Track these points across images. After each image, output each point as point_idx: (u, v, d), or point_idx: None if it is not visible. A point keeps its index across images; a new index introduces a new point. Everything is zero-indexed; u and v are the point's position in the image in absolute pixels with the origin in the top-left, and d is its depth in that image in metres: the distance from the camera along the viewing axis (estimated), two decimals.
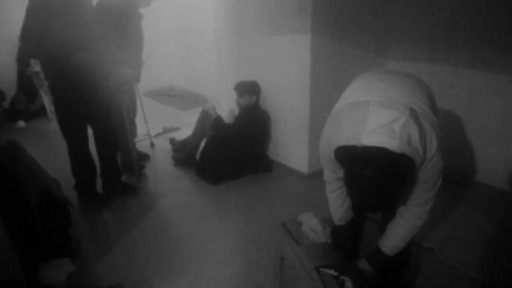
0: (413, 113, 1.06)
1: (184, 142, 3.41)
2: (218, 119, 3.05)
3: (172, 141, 3.55)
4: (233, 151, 2.92)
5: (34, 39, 2.00)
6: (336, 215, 1.50)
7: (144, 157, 3.37)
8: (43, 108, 4.90)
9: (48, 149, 3.78)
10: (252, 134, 2.97)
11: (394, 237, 1.36)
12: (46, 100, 4.79)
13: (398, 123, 1.00)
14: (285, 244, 1.59)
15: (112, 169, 2.57)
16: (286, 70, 2.78)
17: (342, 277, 1.35)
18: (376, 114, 1.03)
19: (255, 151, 3.07)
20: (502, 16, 2.29)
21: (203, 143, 3.17)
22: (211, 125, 3.06)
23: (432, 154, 1.08)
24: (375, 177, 0.97)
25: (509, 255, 1.95)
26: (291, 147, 3.02)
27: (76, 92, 2.14)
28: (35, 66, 4.41)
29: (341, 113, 1.20)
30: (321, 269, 1.38)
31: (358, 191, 1.05)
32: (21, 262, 1.59)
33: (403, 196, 1.28)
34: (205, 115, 3.17)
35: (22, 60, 2.12)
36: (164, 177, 3.06)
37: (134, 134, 3.24)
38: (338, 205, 1.46)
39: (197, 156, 3.18)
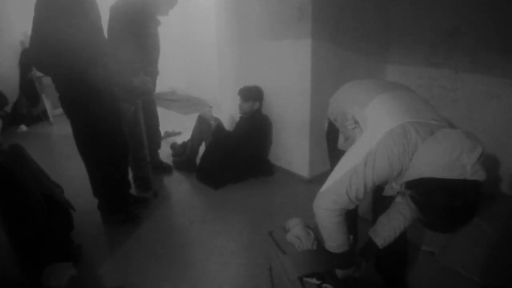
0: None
1: (183, 146, 3.43)
2: (219, 127, 3.06)
3: (173, 146, 3.57)
4: (235, 156, 2.92)
5: (43, 52, 1.88)
6: (342, 241, 1.35)
7: (166, 169, 3.26)
8: (45, 113, 4.92)
9: (50, 153, 3.81)
10: (253, 139, 2.98)
11: (392, 230, 1.40)
12: (48, 104, 4.81)
13: (482, 157, 1.04)
14: (272, 254, 1.61)
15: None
16: (287, 75, 2.80)
17: (324, 285, 1.37)
18: (471, 147, 1.03)
19: (256, 156, 3.07)
20: (502, 20, 2.31)
21: (202, 148, 3.19)
22: (212, 133, 3.07)
23: None
24: (472, 209, 1.06)
25: (509, 258, 1.95)
26: (292, 151, 3.03)
27: (91, 107, 2.04)
28: (37, 71, 4.47)
29: (414, 136, 1.13)
30: (304, 279, 1.40)
31: (444, 219, 1.09)
32: (24, 266, 1.60)
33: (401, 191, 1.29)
34: (202, 120, 3.18)
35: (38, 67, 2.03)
36: (165, 181, 3.07)
37: (158, 145, 3.20)
38: (344, 230, 1.33)
39: (197, 161, 3.19)
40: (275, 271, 1.61)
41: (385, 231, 1.42)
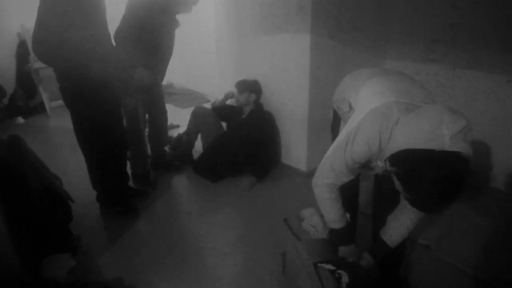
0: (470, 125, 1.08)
1: (179, 139, 3.42)
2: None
3: (169, 139, 3.56)
4: (235, 154, 2.91)
5: (47, 44, 1.85)
6: (337, 217, 1.44)
7: (175, 167, 3.15)
8: (42, 105, 4.89)
9: (47, 145, 3.79)
10: (258, 136, 2.92)
11: (402, 227, 1.41)
12: (46, 96, 4.78)
13: (465, 131, 1.02)
14: (287, 240, 1.62)
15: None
16: (285, 69, 2.80)
17: (339, 271, 1.38)
18: (450, 118, 1.02)
19: (263, 154, 2.99)
20: (501, 17, 2.32)
21: (197, 142, 3.22)
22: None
23: None
24: (454, 180, 1.01)
25: (503, 251, 1.99)
26: (290, 145, 3.04)
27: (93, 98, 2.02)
28: (34, 63, 4.43)
29: (395, 113, 1.14)
30: (319, 264, 1.41)
31: (429, 201, 1.06)
32: (23, 257, 1.61)
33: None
34: (197, 114, 3.18)
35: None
36: (162, 174, 3.07)
37: (164, 141, 3.14)
38: (337, 206, 1.42)
39: (193, 153, 3.20)
40: (288, 256, 1.63)
41: (396, 231, 1.43)
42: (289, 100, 2.87)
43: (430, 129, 1.01)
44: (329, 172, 1.34)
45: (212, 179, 2.88)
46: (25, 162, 1.72)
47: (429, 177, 1.01)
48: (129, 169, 2.65)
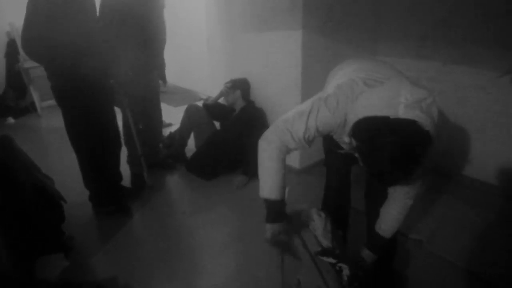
0: (435, 98, 1.08)
1: (171, 137, 3.41)
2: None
3: (162, 138, 3.55)
4: (228, 152, 2.91)
5: (37, 45, 1.84)
6: (278, 184, 1.39)
7: (169, 165, 3.15)
8: (32, 105, 4.84)
9: (39, 145, 3.76)
10: (250, 133, 2.86)
11: (390, 218, 1.42)
12: (36, 96, 4.74)
13: (426, 102, 1.01)
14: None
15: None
16: (278, 66, 2.80)
17: (340, 264, 1.39)
18: (409, 89, 1.03)
19: (255, 151, 2.97)
20: (490, 13, 2.34)
21: (190, 140, 3.22)
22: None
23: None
24: (406, 151, 0.97)
25: (495, 245, 2.02)
26: None
27: (83, 97, 2.01)
28: (24, 62, 4.38)
29: (360, 86, 1.16)
30: (320, 257, 1.42)
31: (383, 165, 1.01)
32: (16, 257, 1.60)
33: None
34: (190, 112, 3.18)
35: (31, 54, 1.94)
36: (154, 172, 3.06)
37: (158, 140, 3.12)
38: (282, 173, 1.39)
39: (185, 152, 3.20)
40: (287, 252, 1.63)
41: (387, 222, 1.44)
42: (281, 97, 2.88)
43: (387, 99, 1.03)
44: (285, 132, 1.28)
45: (206, 177, 2.88)
46: (16, 163, 1.71)
47: (380, 142, 0.99)
48: (124, 169, 2.63)
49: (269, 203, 1.40)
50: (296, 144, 1.30)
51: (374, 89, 1.12)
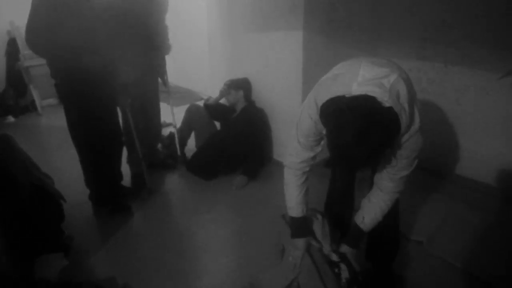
0: (403, 74, 1.10)
1: (170, 137, 3.41)
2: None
3: (162, 138, 3.54)
4: (229, 152, 2.90)
5: (41, 38, 1.85)
6: (293, 203, 1.46)
7: (169, 165, 3.12)
8: (33, 104, 4.83)
9: (39, 144, 3.76)
10: (250, 133, 2.91)
11: (371, 208, 1.40)
12: (36, 95, 4.72)
13: (388, 79, 1.02)
14: (285, 235, 1.63)
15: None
16: (278, 67, 2.80)
17: (341, 264, 1.39)
18: (367, 69, 1.05)
19: (255, 152, 2.98)
20: (491, 14, 2.34)
21: (191, 140, 3.21)
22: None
23: (416, 128, 1.10)
24: (362, 123, 0.93)
25: (494, 246, 2.01)
26: (282, 143, 3.04)
27: (85, 94, 2.01)
28: (25, 61, 4.38)
29: (329, 77, 1.22)
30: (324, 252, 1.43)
31: (342, 141, 0.97)
32: (15, 257, 1.59)
33: (380, 168, 1.31)
34: (191, 112, 3.17)
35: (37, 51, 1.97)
36: (155, 172, 3.05)
37: (157, 140, 3.11)
38: (296, 193, 1.45)
39: (185, 152, 3.19)
40: (287, 252, 1.63)
41: (368, 213, 1.41)
42: (282, 97, 2.87)
43: (346, 81, 1.06)
44: (291, 149, 1.43)
45: (206, 177, 2.87)
46: (15, 162, 1.71)
47: (340, 119, 0.98)
48: (124, 169, 2.63)
49: (290, 219, 1.49)
50: (301, 156, 1.40)
51: (338, 76, 1.15)
